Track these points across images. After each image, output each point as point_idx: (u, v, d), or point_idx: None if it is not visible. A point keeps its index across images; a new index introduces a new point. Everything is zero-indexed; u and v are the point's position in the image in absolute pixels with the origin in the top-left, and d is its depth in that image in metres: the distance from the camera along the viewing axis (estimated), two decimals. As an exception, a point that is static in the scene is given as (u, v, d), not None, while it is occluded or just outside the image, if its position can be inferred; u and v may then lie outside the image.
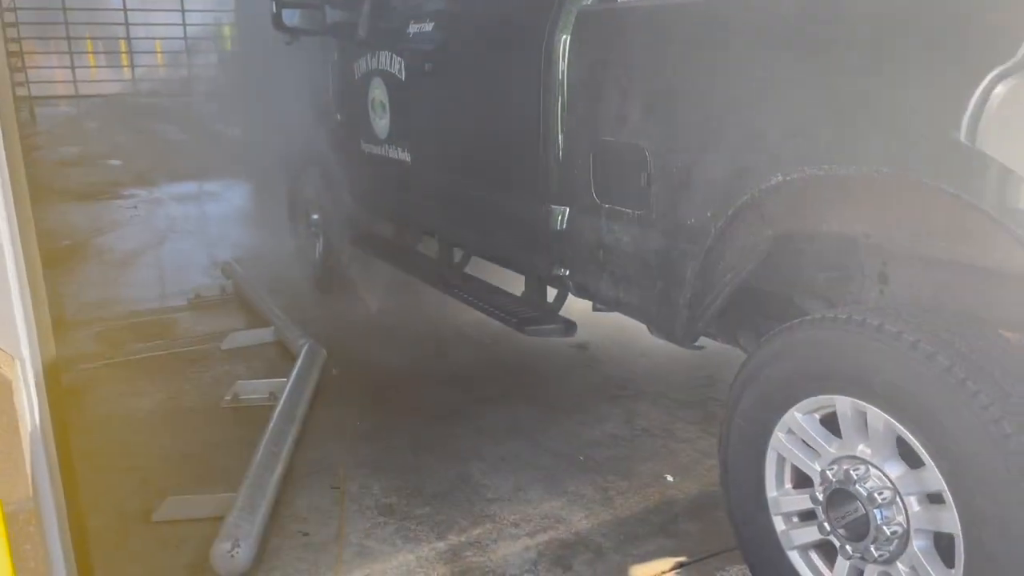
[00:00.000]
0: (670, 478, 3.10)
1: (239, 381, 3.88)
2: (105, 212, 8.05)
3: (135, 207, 8.32)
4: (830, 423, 2.10)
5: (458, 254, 4.28)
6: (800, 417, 2.13)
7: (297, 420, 3.44)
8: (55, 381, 1.89)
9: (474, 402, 3.82)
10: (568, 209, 3.02)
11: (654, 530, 2.78)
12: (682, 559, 2.62)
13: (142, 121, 14.84)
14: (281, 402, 3.53)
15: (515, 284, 3.92)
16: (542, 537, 2.75)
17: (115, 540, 2.77)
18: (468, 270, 4.27)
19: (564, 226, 3.02)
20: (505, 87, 3.32)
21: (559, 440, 3.42)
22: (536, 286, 3.61)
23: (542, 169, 3.07)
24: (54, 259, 6.26)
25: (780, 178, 2.10)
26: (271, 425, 3.32)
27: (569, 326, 3.38)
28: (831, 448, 2.07)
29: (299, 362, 3.98)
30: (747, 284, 2.48)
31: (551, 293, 3.56)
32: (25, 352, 1.71)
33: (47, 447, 1.81)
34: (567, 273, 3.08)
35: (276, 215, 6.31)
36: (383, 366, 4.28)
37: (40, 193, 8.33)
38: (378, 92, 4.32)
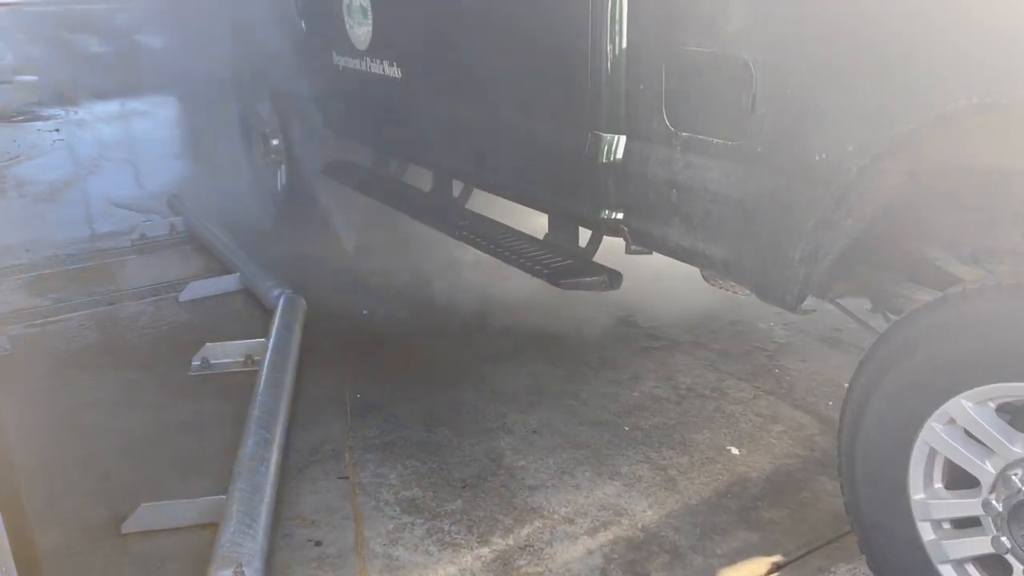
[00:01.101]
0: (735, 451, 2.67)
1: (208, 344, 3.28)
2: (22, 136, 7.11)
3: (57, 130, 7.37)
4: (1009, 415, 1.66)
5: (457, 187, 3.70)
6: (970, 406, 1.68)
7: (286, 391, 2.89)
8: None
9: (486, 359, 3.31)
10: (624, 138, 2.47)
11: (733, 520, 2.36)
12: (777, 559, 2.21)
13: (54, 31, 13.40)
14: (264, 370, 2.97)
15: (521, 219, 3.38)
16: (604, 536, 2.30)
17: (78, 562, 2.24)
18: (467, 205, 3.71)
19: (617, 158, 2.48)
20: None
21: (594, 405, 2.96)
22: (565, 228, 3.06)
23: (588, 85, 2.49)
24: (-33, 193, 5.45)
25: (966, 101, 1.59)
26: (257, 400, 2.77)
27: (614, 277, 2.82)
28: (1015, 447, 1.64)
29: (277, 317, 3.39)
30: (866, 233, 2.01)
31: (582, 235, 3.03)
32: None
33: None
34: (620, 217, 2.56)
35: (220, 138, 5.56)
36: (370, 318, 3.73)
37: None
38: None
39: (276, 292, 3.65)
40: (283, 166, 4.88)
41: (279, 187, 4.88)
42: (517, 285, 3.92)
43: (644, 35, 2.32)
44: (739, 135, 2.08)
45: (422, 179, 3.95)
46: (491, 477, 2.57)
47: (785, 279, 2.06)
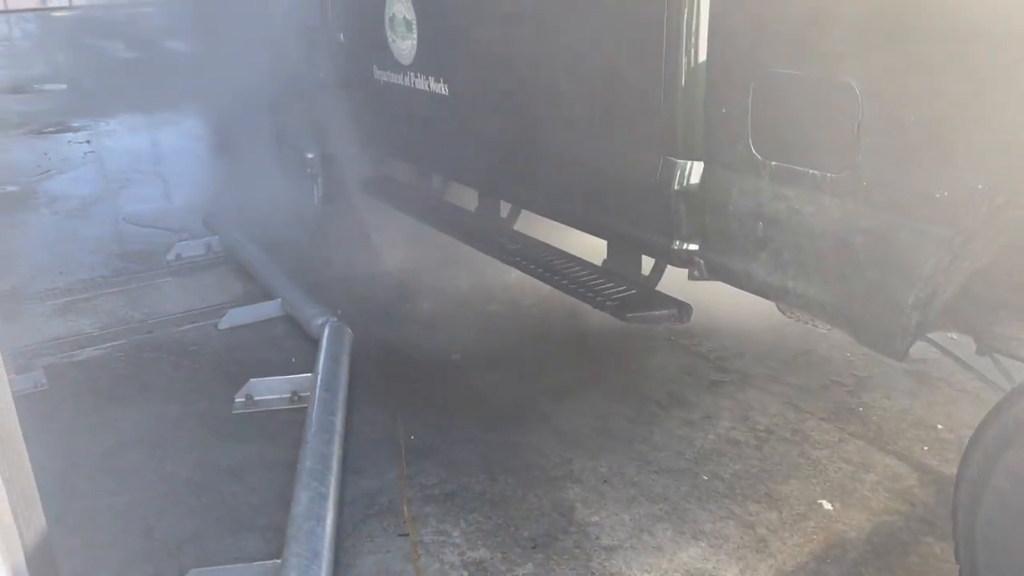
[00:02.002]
0: (828, 505, 2.45)
1: (251, 379, 3.11)
2: (54, 148, 7.01)
3: (87, 141, 7.27)
4: None
5: (505, 207, 3.52)
6: None
7: (337, 435, 2.70)
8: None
9: (545, 395, 3.11)
10: (700, 164, 2.28)
11: (837, 590, 2.14)
12: (892, 639, 1.99)
13: (83, 37, 13.38)
14: (314, 410, 2.79)
15: (570, 241, 3.19)
16: (695, 608, 2.10)
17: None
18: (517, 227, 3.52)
19: (693, 186, 2.30)
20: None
21: (667, 450, 2.75)
22: (626, 256, 2.87)
23: (661, 107, 2.31)
24: (-1, 209, 5.33)
25: None
26: (307, 446, 2.59)
27: (684, 310, 2.66)
28: None
29: (323, 349, 3.21)
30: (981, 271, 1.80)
31: (643, 261, 2.83)
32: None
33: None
34: (693, 248, 2.37)
35: (253, 150, 5.41)
36: (418, 345, 3.53)
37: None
38: (400, 6, 3.46)
39: (320, 320, 3.47)
40: (319, 180, 4.72)
41: (315, 200, 4.73)
42: (571, 311, 3.72)
43: (728, 53, 2.13)
44: (841, 166, 1.89)
45: (465, 198, 3.79)
46: (562, 535, 2.36)
47: (895, 326, 1.86)
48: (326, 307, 3.57)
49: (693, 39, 2.19)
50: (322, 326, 3.42)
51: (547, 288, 3.54)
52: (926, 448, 2.69)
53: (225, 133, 6.91)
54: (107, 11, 14.44)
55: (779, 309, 2.34)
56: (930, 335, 2.15)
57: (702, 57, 2.19)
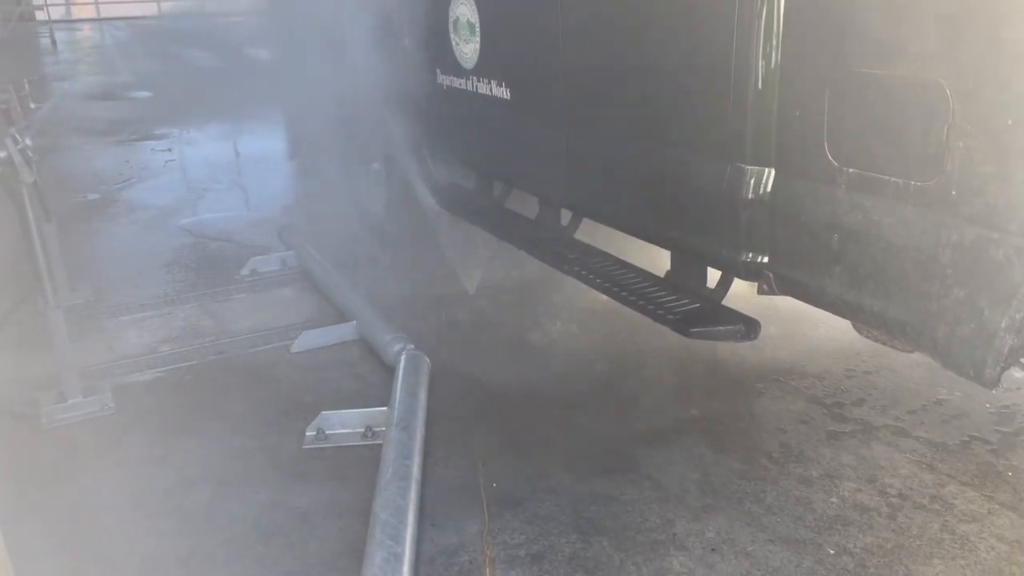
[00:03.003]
0: (983, 595, 2.09)
1: (323, 412, 2.90)
2: (136, 156, 7.05)
3: (168, 150, 7.29)
4: None
5: (566, 215, 3.34)
6: None
7: (414, 482, 2.45)
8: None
9: (640, 440, 2.82)
10: (772, 171, 2.12)
11: None
12: None
13: (168, 45, 13.67)
14: (389, 453, 2.55)
15: (634, 252, 3.00)
16: None
17: None
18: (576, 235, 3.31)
19: (764, 195, 2.13)
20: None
21: (784, 514, 2.42)
22: (691, 268, 2.66)
23: (730, 111, 2.17)
24: (79, 217, 5.31)
25: None
26: (381, 495, 2.35)
27: (751, 326, 2.43)
28: None
29: (399, 381, 2.98)
30: None
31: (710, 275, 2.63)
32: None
33: None
34: (764, 260, 2.20)
35: (329, 160, 5.28)
36: (499, 377, 3.28)
37: (64, 134, 7.35)
38: (464, 8, 3.38)
39: (397, 347, 3.25)
40: (384, 187, 4.57)
41: (381, 208, 4.58)
42: (668, 344, 3.42)
43: (803, 53, 1.98)
44: (927, 175, 1.75)
45: (527, 205, 3.61)
46: (668, 615, 2.07)
47: (985, 350, 1.70)
48: (402, 333, 3.35)
49: (765, 38, 2.04)
50: (398, 354, 3.20)
51: (641, 317, 3.34)
52: (1095, 526, 2.30)
53: (303, 142, 6.84)
54: (193, 20, 14.72)
55: (855, 328, 2.18)
56: None
57: (774, 57, 2.04)
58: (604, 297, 3.22)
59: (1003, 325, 1.65)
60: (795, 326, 3.50)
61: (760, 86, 2.08)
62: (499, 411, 3.04)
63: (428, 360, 3.18)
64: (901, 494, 2.48)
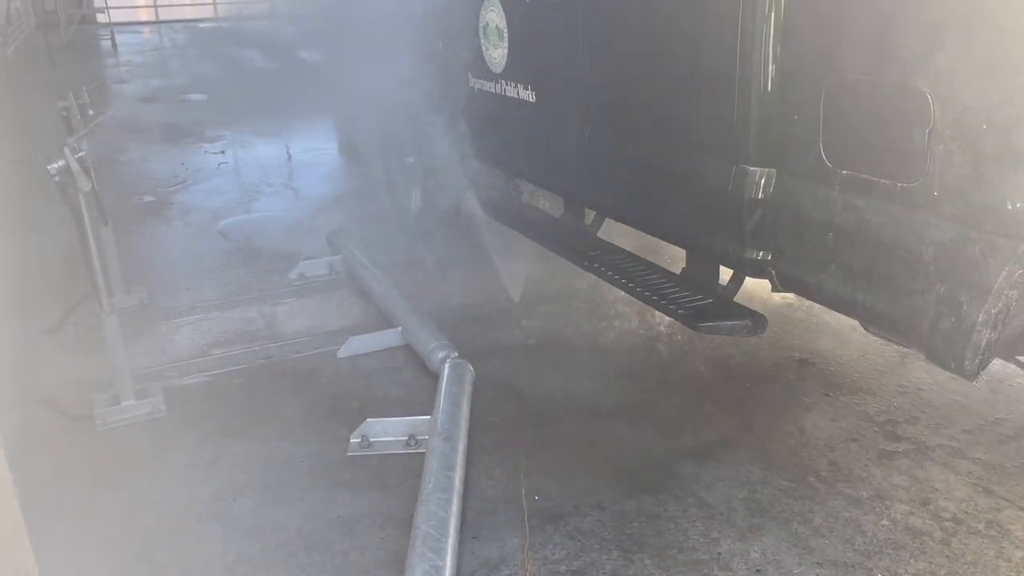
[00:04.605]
0: (1042, 629, 2.01)
1: (368, 419, 2.93)
2: (191, 158, 7.20)
3: (222, 152, 7.43)
4: None
5: (589, 215, 3.50)
6: None
7: (456, 495, 2.45)
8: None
9: (685, 455, 2.78)
10: (775, 172, 2.23)
11: None
12: None
13: (224, 47, 13.97)
14: (432, 464, 2.55)
15: (658, 250, 3.25)
16: None
17: None
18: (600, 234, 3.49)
19: (767, 195, 2.25)
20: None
21: (832, 536, 2.36)
22: (704, 266, 2.81)
23: (735, 115, 2.28)
24: (136, 219, 5.45)
25: None
26: (423, 508, 2.35)
27: (758, 321, 2.58)
28: None
29: (443, 390, 2.99)
30: None
31: (722, 271, 2.79)
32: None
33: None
34: (767, 258, 2.32)
35: (375, 162, 5.35)
36: (541, 387, 3.27)
37: (123, 138, 7.54)
38: (493, 15, 3.52)
39: (441, 355, 3.26)
40: (418, 186, 4.63)
41: (413, 206, 4.64)
42: (715, 357, 3.37)
43: (800, 60, 2.10)
44: (912, 176, 1.85)
45: (556, 205, 3.73)
46: (711, 639, 2.03)
47: (964, 343, 1.78)
48: (447, 340, 3.36)
49: (767, 46, 2.15)
50: (442, 361, 3.21)
51: (689, 331, 3.35)
52: None
53: (352, 144, 6.91)
54: (248, 22, 15.02)
55: (862, 326, 2.26)
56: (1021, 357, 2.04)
57: (775, 64, 2.14)
58: (651, 311, 3.29)
59: (980, 319, 1.73)
60: (846, 340, 3.42)
61: (762, 92, 2.19)
62: (542, 423, 3.02)
63: (472, 370, 3.19)
64: (955, 518, 2.40)
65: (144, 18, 19.86)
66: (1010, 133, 1.66)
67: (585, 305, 3.94)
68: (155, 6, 18.88)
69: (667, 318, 3.67)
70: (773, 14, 2.12)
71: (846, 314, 2.21)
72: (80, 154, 2.98)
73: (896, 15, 1.84)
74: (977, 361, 1.79)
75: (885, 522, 2.40)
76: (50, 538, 2.47)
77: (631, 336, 3.66)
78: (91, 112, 3.86)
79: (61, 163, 2.88)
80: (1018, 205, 1.67)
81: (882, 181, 1.93)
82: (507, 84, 3.53)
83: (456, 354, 3.27)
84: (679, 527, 2.43)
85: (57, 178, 2.87)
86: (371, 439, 2.90)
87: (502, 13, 3.43)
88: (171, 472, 2.80)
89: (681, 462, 2.74)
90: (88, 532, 2.48)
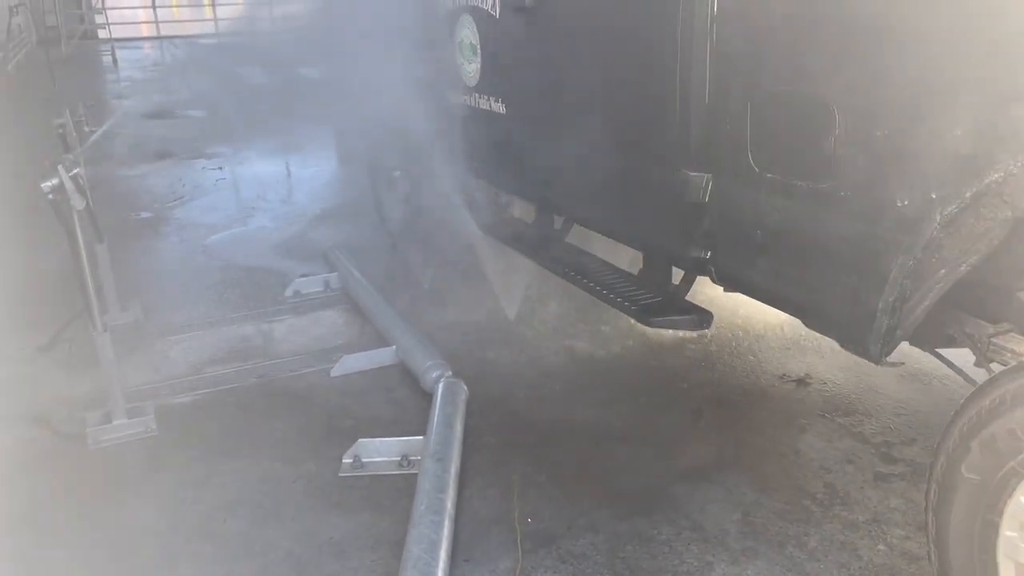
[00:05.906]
0: (1039, 657, 1.98)
1: (360, 440, 2.91)
2: (188, 174, 7.21)
3: (220, 168, 7.45)
4: None
5: (558, 220, 3.65)
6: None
7: (447, 517, 2.43)
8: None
9: (679, 477, 2.76)
10: (712, 177, 2.42)
11: None
12: None
13: (224, 63, 14.00)
14: (424, 485, 2.54)
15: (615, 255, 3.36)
16: None
17: None
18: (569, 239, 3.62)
19: (707, 198, 2.43)
20: (631, 21, 2.68)
21: (828, 560, 2.34)
22: (658, 266, 3.00)
23: (678, 124, 2.48)
24: (132, 236, 5.44)
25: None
26: (415, 531, 2.34)
27: (703, 316, 2.81)
28: None
29: (436, 410, 2.98)
30: (967, 280, 1.85)
31: (676, 273, 2.98)
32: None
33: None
34: (708, 256, 2.52)
35: (365, 176, 5.37)
36: (536, 406, 3.26)
37: (120, 154, 7.55)
38: (467, 32, 3.67)
39: (435, 374, 3.25)
40: (404, 199, 4.67)
41: (398, 215, 4.67)
42: (708, 376, 3.36)
43: (729, 75, 2.30)
44: (823, 179, 2.04)
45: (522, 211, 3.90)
46: (705, 666, 2.01)
47: (867, 329, 1.97)
48: (441, 359, 3.34)
49: (703, 64, 2.34)
50: (436, 381, 3.20)
51: (689, 350, 3.44)
52: None
53: (348, 160, 6.93)
54: (248, 38, 15.04)
55: (805, 325, 2.34)
56: (940, 350, 2.27)
57: (710, 81, 2.35)
58: (651, 331, 3.42)
59: (880, 307, 1.91)
60: (842, 361, 3.41)
61: (699, 105, 2.38)
62: (536, 443, 3.00)
63: (466, 388, 3.17)
64: (952, 543, 2.37)
65: (145, 34, 19.95)
66: (899, 139, 1.85)
67: (580, 322, 3.93)
68: (156, 22, 18.97)
69: (662, 337, 3.71)
70: (708, 38, 2.33)
71: (780, 309, 2.37)
72: (75, 171, 2.98)
73: (805, 36, 2.07)
74: (879, 345, 1.97)
75: (881, 546, 2.38)
76: (39, 558, 2.46)
77: (629, 355, 3.65)
78: (87, 128, 3.86)
79: (55, 181, 2.88)
80: (906, 203, 1.83)
81: (800, 183, 2.12)
82: (480, 97, 3.68)
83: (450, 373, 3.26)
84: (672, 549, 2.41)
85: (51, 196, 2.87)
86: (364, 459, 2.88)
87: (475, 29, 3.58)
88: (162, 491, 2.77)
89: (677, 485, 2.72)
90: (77, 553, 2.46)
